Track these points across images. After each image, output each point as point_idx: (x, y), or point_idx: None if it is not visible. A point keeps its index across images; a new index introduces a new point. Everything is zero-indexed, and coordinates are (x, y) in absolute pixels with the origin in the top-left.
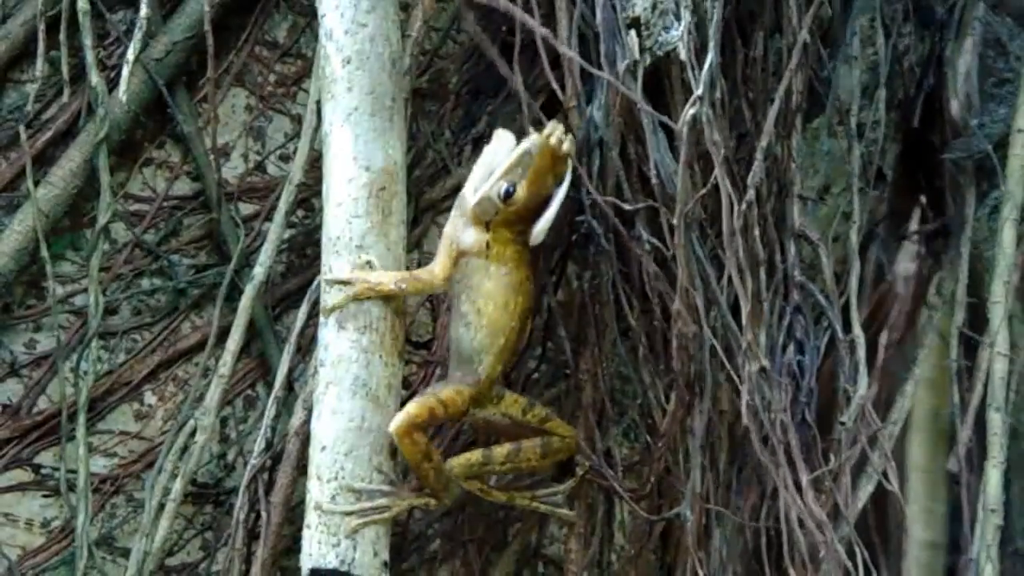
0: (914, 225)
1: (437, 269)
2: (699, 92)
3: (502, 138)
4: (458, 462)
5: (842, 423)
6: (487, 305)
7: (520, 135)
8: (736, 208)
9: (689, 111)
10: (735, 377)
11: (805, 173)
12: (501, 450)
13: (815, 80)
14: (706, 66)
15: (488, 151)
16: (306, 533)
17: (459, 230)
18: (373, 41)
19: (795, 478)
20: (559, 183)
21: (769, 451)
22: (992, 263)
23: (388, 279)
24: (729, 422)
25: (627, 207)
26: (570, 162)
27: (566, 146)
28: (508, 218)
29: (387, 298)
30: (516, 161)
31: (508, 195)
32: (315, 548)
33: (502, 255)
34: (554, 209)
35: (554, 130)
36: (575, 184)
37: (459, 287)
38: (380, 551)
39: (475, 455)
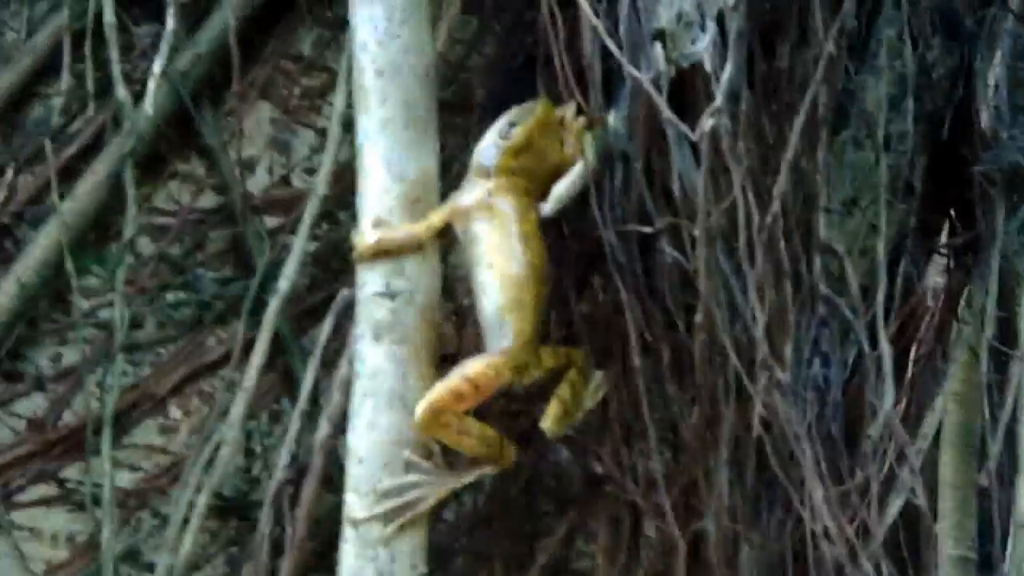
0: (944, 238)
1: (423, 222)
2: (718, 102)
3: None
4: (550, 421)
5: (869, 437)
6: (496, 257)
7: None
8: (756, 220)
9: (708, 121)
10: (752, 391)
11: (831, 185)
12: (564, 390)
13: (841, 92)
14: (725, 76)
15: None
16: (343, 547)
17: (461, 194)
18: (407, 52)
19: (822, 494)
20: (574, 161)
21: (793, 466)
22: (1023, 276)
23: (370, 237)
24: (756, 437)
25: (647, 229)
26: (589, 142)
27: (569, 114)
28: (508, 162)
29: (423, 310)
30: (519, 111)
31: (506, 132)
32: (352, 562)
33: (504, 202)
34: (570, 179)
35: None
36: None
37: (469, 253)
38: (418, 564)
39: (554, 406)
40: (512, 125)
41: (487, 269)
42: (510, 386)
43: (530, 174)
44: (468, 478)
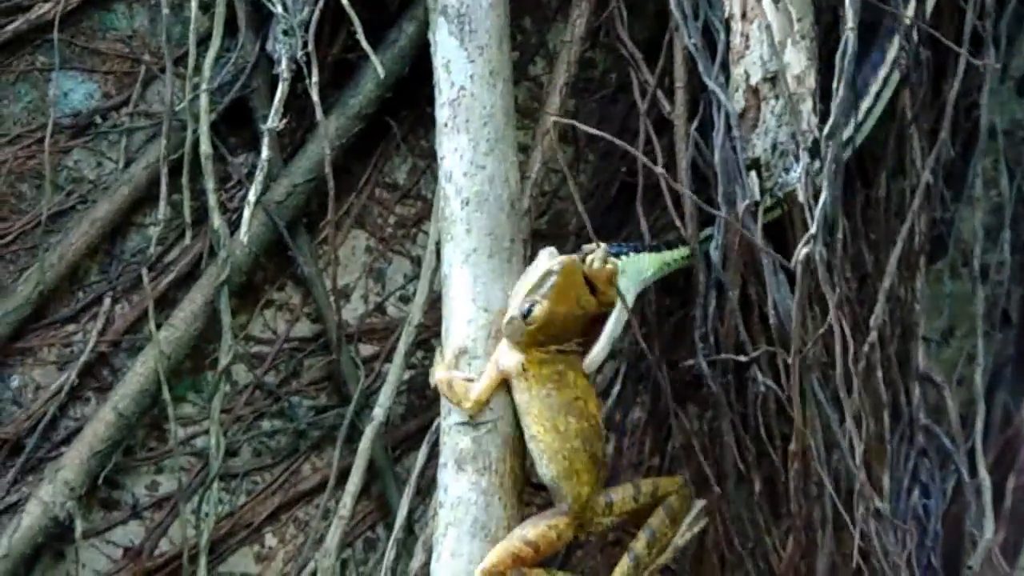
0: None
1: (473, 389)
2: (813, 231)
3: (542, 257)
4: None
5: (969, 567)
6: (539, 430)
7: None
8: (851, 350)
9: (803, 250)
10: (850, 521)
11: (929, 315)
12: (640, 543)
13: (938, 221)
14: (820, 204)
15: (528, 270)
16: None
17: (502, 352)
18: (492, 183)
19: None
20: (607, 307)
21: None
22: None
23: (440, 375)
24: (853, 567)
25: (741, 358)
26: (621, 288)
27: (596, 264)
28: (535, 338)
29: (506, 439)
30: (538, 281)
31: (526, 314)
32: None
33: (539, 376)
34: (606, 337)
35: (589, 252)
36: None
37: (519, 414)
38: None
39: (624, 564)
40: (532, 305)
41: (533, 440)
42: (575, 539)
43: (561, 336)
44: None
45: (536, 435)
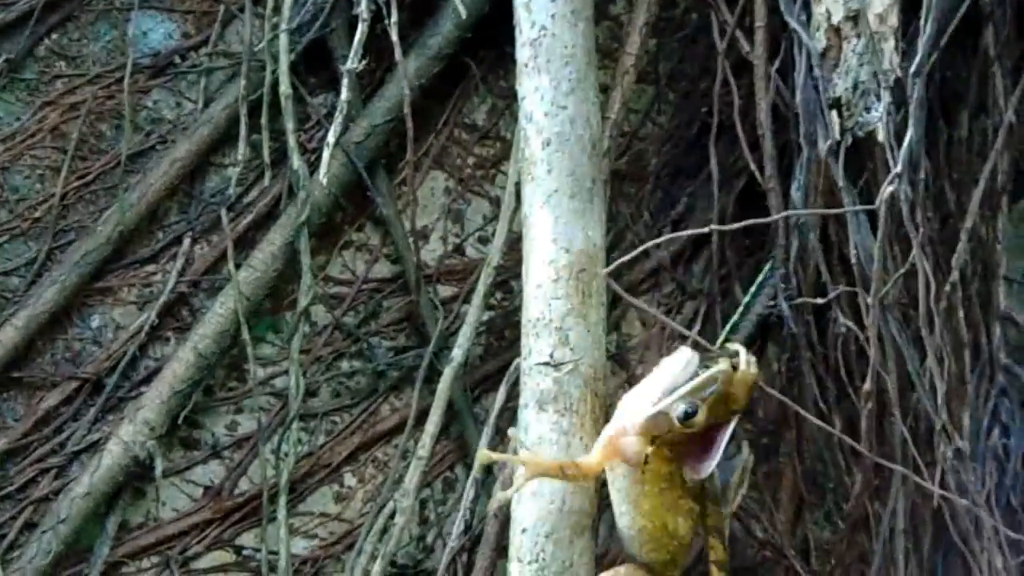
0: None
1: (594, 464)
2: (898, 169)
3: (684, 354)
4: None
5: None
6: (646, 524)
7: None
8: (934, 289)
9: (887, 189)
10: (919, 461)
11: (1011, 255)
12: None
13: (1021, 160)
14: (905, 143)
15: (667, 363)
16: None
17: (621, 433)
18: (573, 123)
19: (1002, 563)
20: (732, 416)
21: (972, 536)
22: None
23: (552, 465)
24: (933, 507)
25: (819, 300)
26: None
27: (750, 370)
28: (677, 439)
29: (587, 380)
30: (702, 384)
31: (688, 416)
32: None
33: (658, 473)
34: (722, 446)
35: (746, 361)
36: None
37: (616, 492)
38: None
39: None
40: (695, 409)
41: (638, 530)
42: None
43: (693, 441)
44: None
45: (643, 527)
